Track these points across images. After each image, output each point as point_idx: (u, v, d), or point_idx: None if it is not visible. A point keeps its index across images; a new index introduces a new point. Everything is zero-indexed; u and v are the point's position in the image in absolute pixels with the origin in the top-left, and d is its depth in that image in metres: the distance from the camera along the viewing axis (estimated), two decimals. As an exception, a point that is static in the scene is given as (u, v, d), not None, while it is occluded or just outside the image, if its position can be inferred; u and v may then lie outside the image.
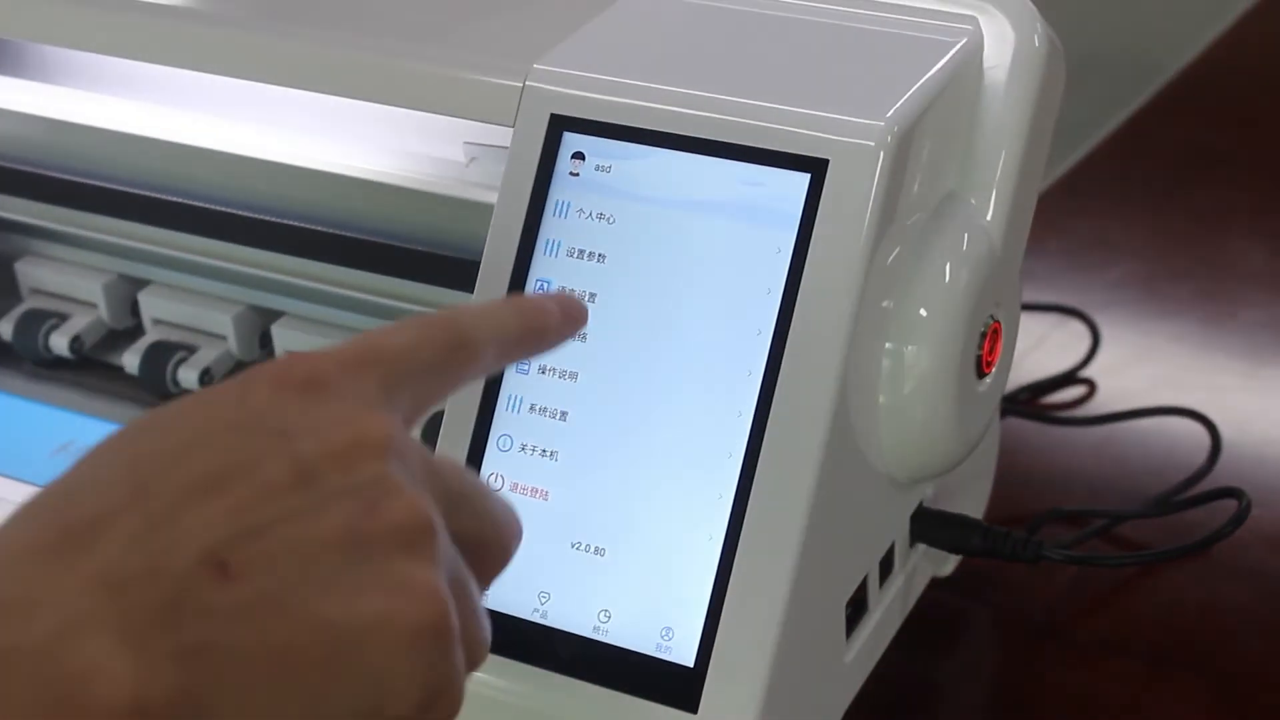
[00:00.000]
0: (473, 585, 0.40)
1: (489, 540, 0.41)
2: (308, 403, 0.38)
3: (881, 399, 0.55)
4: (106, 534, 0.35)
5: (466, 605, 0.40)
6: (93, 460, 0.37)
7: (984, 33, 0.58)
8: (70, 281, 0.73)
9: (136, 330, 0.73)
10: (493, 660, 0.53)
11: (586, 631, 0.53)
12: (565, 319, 0.46)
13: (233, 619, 0.35)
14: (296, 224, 0.65)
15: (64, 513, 0.36)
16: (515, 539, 0.42)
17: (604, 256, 0.54)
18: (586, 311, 0.48)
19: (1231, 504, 0.72)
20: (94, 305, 0.73)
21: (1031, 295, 0.91)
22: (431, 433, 0.57)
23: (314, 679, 0.36)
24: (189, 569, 0.35)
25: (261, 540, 0.36)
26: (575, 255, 0.55)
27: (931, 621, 0.67)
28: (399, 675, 0.37)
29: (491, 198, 0.57)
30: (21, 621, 0.33)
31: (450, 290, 0.62)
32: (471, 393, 0.55)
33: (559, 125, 0.55)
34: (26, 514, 0.36)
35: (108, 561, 0.34)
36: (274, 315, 0.70)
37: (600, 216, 0.55)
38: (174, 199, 0.67)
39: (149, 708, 0.33)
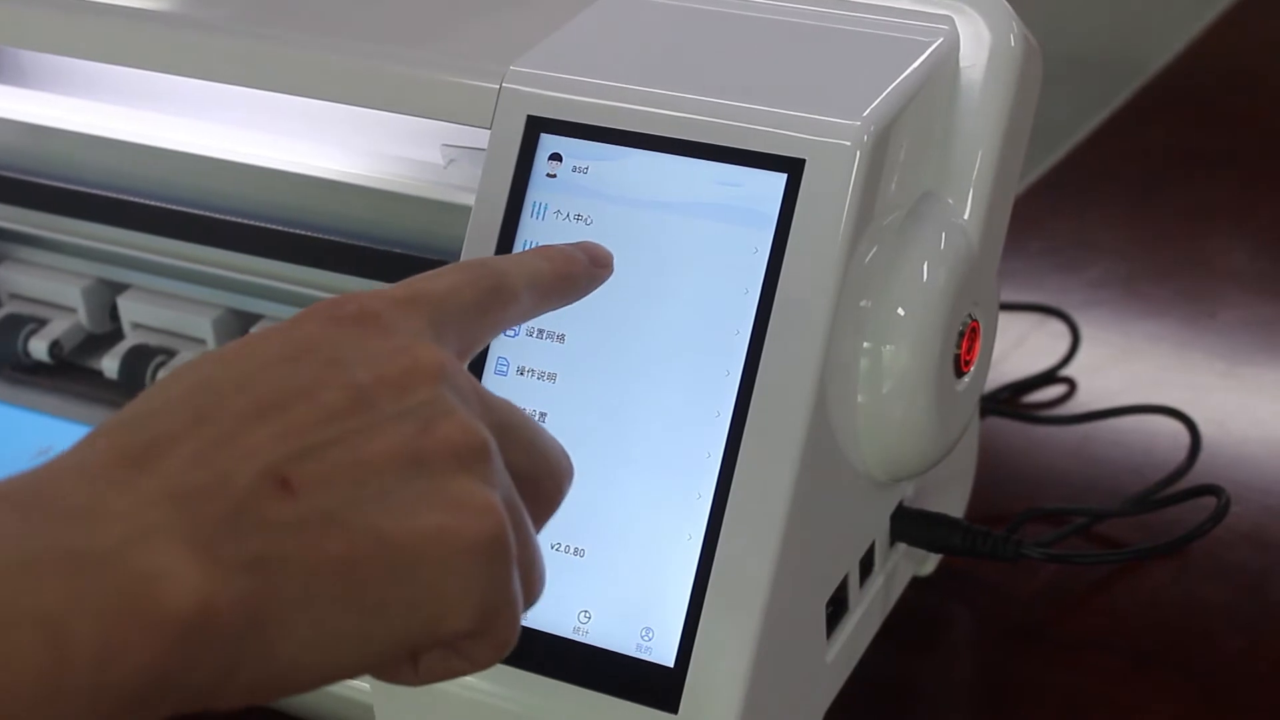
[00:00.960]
0: (527, 516, 0.41)
1: (541, 475, 0.42)
2: (362, 335, 0.40)
3: (860, 398, 0.55)
4: (171, 453, 0.36)
5: (523, 533, 0.40)
6: (155, 391, 0.39)
7: (960, 33, 0.58)
8: (49, 286, 0.73)
9: (116, 334, 0.73)
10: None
11: (566, 632, 0.53)
12: (593, 263, 0.49)
13: (294, 531, 0.36)
14: (276, 227, 0.65)
15: (129, 435, 0.37)
16: (568, 477, 0.43)
17: (582, 257, 0.54)
18: (611, 257, 0.49)
19: (1210, 502, 0.72)
20: (73, 310, 0.73)
21: (1012, 295, 0.91)
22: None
23: (373, 591, 0.37)
24: (251, 484, 0.36)
25: (320, 458, 0.37)
26: (553, 256, 0.55)
27: (912, 620, 0.67)
28: (456, 589, 0.38)
29: (469, 199, 0.57)
30: (91, 528, 0.34)
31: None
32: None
33: (536, 127, 0.55)
34: (92, 438, 0.37)
35: (172, 476, 0.36)
36: (253, 319, 0.70)
37: (577, 218, 0.55)
38: (153, 203, 0.67)
39: (214, 612, 0.34)
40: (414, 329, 0.41)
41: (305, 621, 0.36)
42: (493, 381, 0.55)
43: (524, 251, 0.47)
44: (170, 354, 0.70)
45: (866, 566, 0.61)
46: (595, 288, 0.49)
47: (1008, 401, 0.85)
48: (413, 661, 0.40)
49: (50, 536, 0.34)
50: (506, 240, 0.55)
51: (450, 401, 0.39)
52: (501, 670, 0.53)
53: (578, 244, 0.49)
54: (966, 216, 0.58)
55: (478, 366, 0.55)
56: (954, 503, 0.70)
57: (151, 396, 0.38)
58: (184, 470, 0.36)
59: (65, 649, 0.33)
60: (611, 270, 0.49)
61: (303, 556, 0.36)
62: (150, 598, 0.34)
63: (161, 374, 0.69)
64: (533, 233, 0.55)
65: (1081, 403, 0.84)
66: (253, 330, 0.41)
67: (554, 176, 0.55)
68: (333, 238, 0.64)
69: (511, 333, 0.55)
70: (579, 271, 0.48)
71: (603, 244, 0.54)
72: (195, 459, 0.36)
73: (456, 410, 0.39)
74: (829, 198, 0.52)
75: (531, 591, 0.41)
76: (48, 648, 0.32)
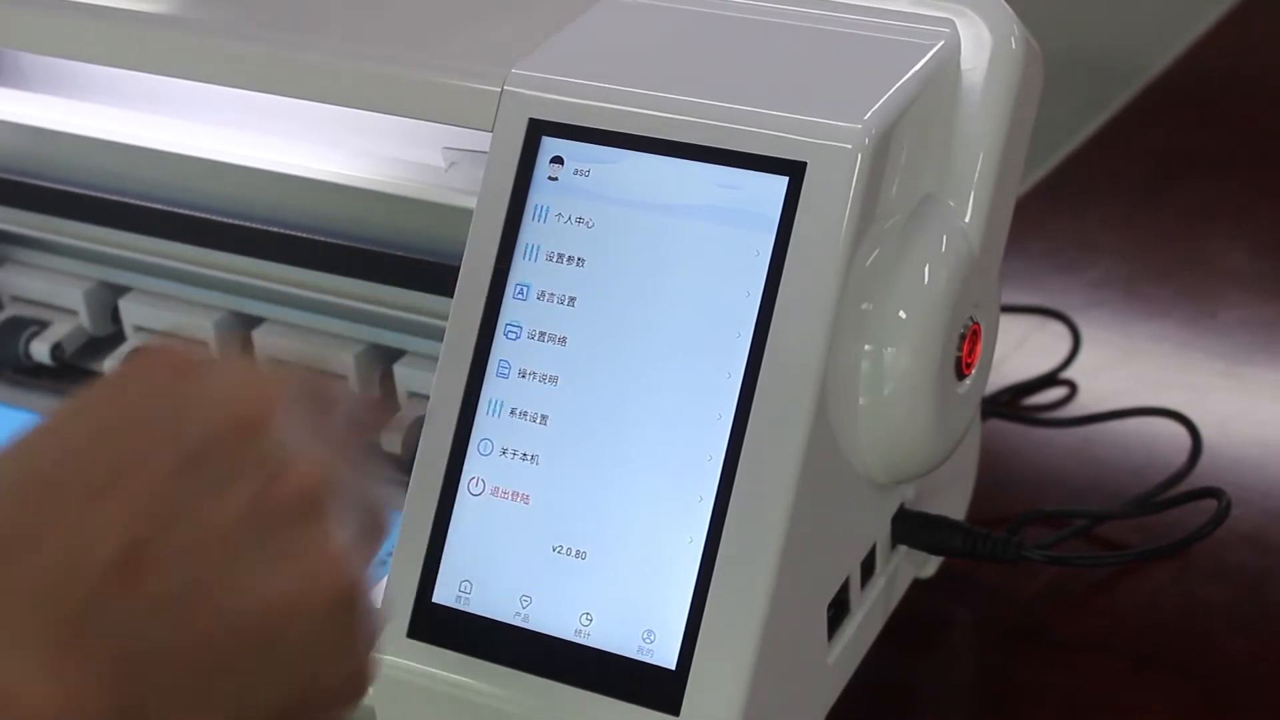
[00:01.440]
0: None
1: (366, 520, 0.41)
2: (183, 385, 0.39)
3: (861, 401, 0.55)
4: (11, 553, 0.35)
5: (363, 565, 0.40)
6: None
7: (961, 35, 0.58)
8: (50, 288, 0.73)
9: (118, 337, 0.73)
10: (475, 664, 0.54)
11: (568, 635, 0.53)
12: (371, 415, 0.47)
13: (148, 620, 0.35)
14: (277, 230, 0.65)
15: None
16: (391, 522, 0.42)
17: (583, 260, 0.54)
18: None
19: (1211, 504, 0.72)
20: (75, 312, 0.73)
21: (1012, 296, 0.91)
22: (413, 438, 0.57)
23: (242, 666, 0.36)
24: (100, 574, 0.35)
25: (165, 534, 0.36)
26: (554, 259, 0.55)
27: (913, 622, 0.67)
28: (323, 649, 0.38)
29: (471, 202, 0.57)
30: None
31: (430, 295, 0.62)
32: (452, 396, 0.55)
33: (537, 129, 0.56)
34: None
35: (19, 577, 0.34)
36: (255, 321, 0.70)
37: (579, 220, 0.55)
38: (154, 205, 0.67)
39: None
40: (237, 368, 0.40)
41: (178, 710, 0.35)
42: (495, 384, 0.55)
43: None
44: (172, 356, 0.70)
45: (868, 569, 0.61)
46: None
47: (1009, 404, 0.85)
48: None
49: None
50: (508, 242, 0.55)
51: (280, 450, 0.38)
52: (503, 672, 0.53)
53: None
54: (968, 219, 0.58)
55: (479, 371, 0.55)
56: (955, 505, 0.70)
57: None
58: (30, 568, 0.35)
59: None
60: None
61: (162, 645, 0.35)
62: (14, 717, 0.33)
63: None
64: (535, 235, 0.55)
65: (1082, 405, 0.84)
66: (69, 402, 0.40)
67: (555, 179, 0.55)
68: (334, 240, 0.64)
69: (513, 335, 0.55)
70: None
71: (604, 246, 0.54)
72: (39, 555, 0.35)
73: (294, 457, 0.38)
74: (830, 200, 0.52)
75: (379, 625, 0.41)
76: None
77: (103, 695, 0.34)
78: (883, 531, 0.62)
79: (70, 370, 0.73)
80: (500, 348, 0.55)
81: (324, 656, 0.38)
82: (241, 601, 0.36)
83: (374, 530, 0.41)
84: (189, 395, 0.38)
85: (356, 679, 0.40)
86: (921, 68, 0.56)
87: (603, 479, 0.53)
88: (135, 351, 0.40)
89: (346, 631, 0.38)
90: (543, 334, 0.54)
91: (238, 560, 0.36)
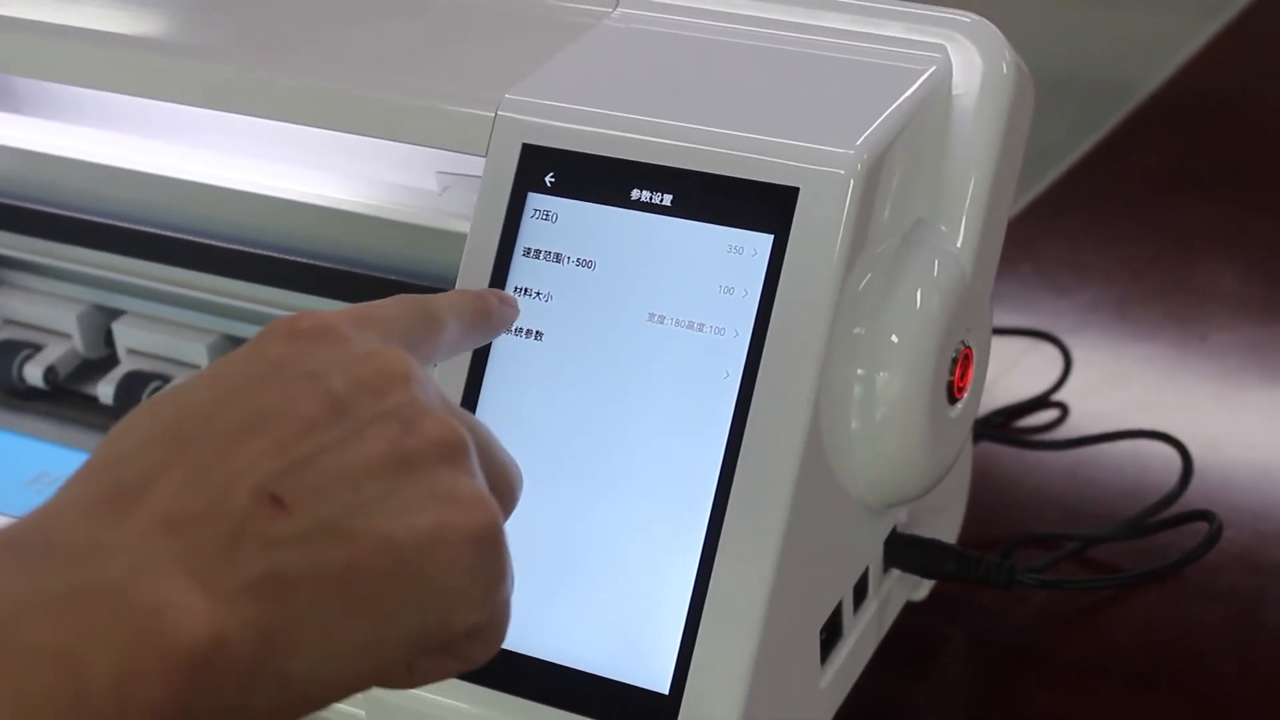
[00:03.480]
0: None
1: (499, 478, 0.42)
2: (325, 346, 0.40)
3: (854, 425, 0.55)
4: (158, 484, 0.36)
5: None
6: (127, 427, 0.38)
7: (953, 60, 0.59)
8: (44, 312, 0.73)
9: (111, 360, 0.73)
10: (464, 687, 0.53)
11: (560, 658, 0.53)
12: (502, 302, 0.50)
13: (294, 546, 0.36)
14: (271, 254, 0.66)
15: (116, 471, 0.37)
16: (521, 483, 0.44)
17: (573, 294, 0.54)
18: (516, 301, 0.52)
19: (1203, 526, 0.73)
20: (68, 335, 0.73)
21: (1004, 319, 0.91)
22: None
23: (381, 596, 0.37)
24: (244, 505, 0.36)
25: (309, 471, 0.37)
26: (538, 296, 0.55)
27: (906, 646, 0.67)
28: (461, 582, 0.39)
29: (464, 226, 0.57)
30: (93, 565, 0.34)
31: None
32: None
33: (531, 154, 0.56)
34: (77, 479, 0.37)
35: (165, 505, 0.36)
36: (248, 344, 0.70)
37: (572, 246, 0.55)
38: (148, 229, 0.68)
39: (225, 639, 0.34)
40: (370, 341, 0.42)
41: (317, 636, 0.36)
42: (491, 400, 0.55)
43: (447, 292, 0.48)
44: (165, 379, 0.70)
45: (860, 592, 0.61)
46: (508, 325, 0.51)
47: (1001, 426, 0.85)
48: (407, 666, 0.41)
49: (58, 576, 0.34)
50: (501, 267, 0.55)
51: (424, 400, 0.40)
52: (495, 696, 0.53)
53: (489, 289, 0.52)
54: (959, 244, 0.58)
55: (473, 391, 0.55)
56: (947, 528, 0.70)
57: (130, 430, 0.38)
58: (176, 498, 0.36)
59: (84, 683, 0.33)
60: (517, 310, 0.52)
61: (306, 571, 0.36)
62: (160, 631, 0.34)
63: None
64: (525, 264, 0.55)
65: (1074, 427, 0.85)
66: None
67: (547, 217, 0.55)
68: (328, 264, 0.65)
69: (506, 361, 0.55)
70: (493, 308, 0.49)
71: (596, 273, 0.54)
72: (185, 485, 0.36)
73: (433, 408, 0.40)
74: (823, 225, 0.52)
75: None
76: (67, 682, 0.33)
77: (249, 616, 0.35)
78: (875, 555, 0.62)
79: (63, 393, 0.73)
80: (494, 375, 0.55)
81: (461, 593, 0.39)
82: (382, 532, 0.37)
83: (506, 488, 0.43)
84: (332, 352, 0.40)
85: (491, 624, 0.41)
86: (913, 93, 0.56)
87: (597, 502, 0.53)
88: (272, 321, 0.42)
89: (484, 570, 0.39)
90: (530, 361, 0.54)
91: (379, 494, 0.38)
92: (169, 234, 0.67)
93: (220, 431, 0.37)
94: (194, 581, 0.35)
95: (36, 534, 0.35)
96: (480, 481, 0.40)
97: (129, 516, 0.35)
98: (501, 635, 0.42)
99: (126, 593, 0.34)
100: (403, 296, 0.46)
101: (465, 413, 0.43)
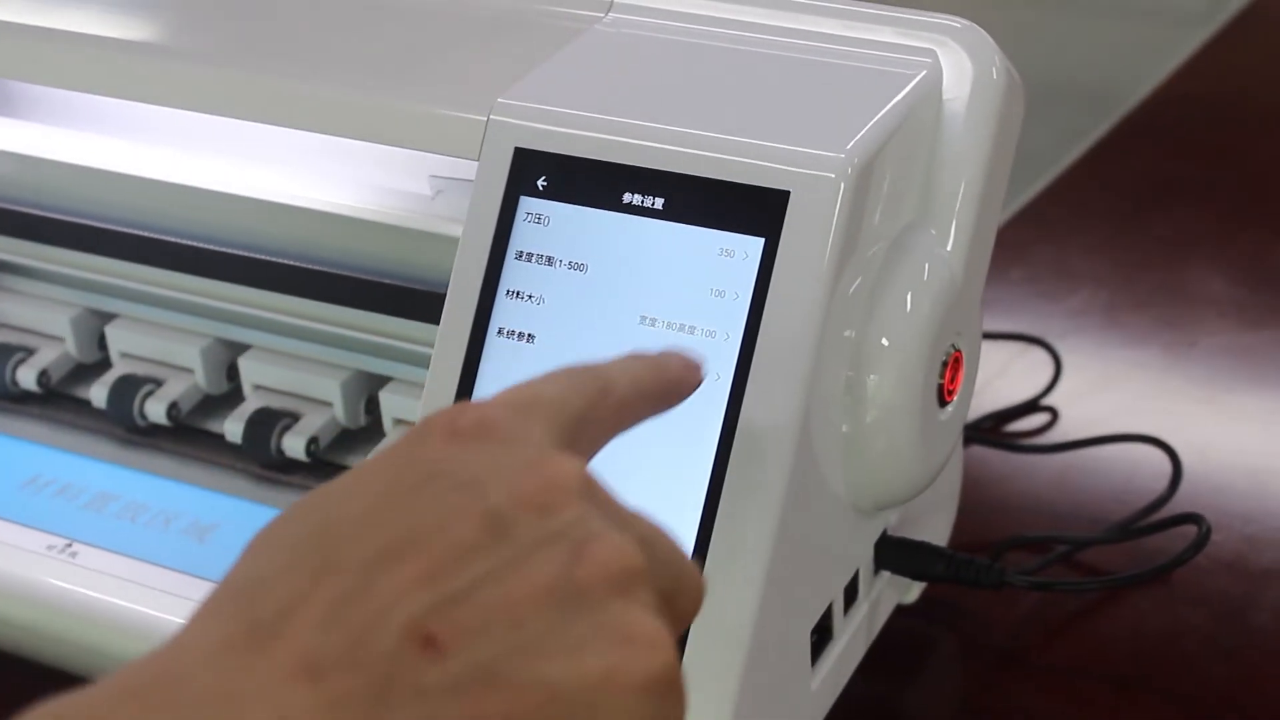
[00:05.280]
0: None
1: (679, 592, 0.38)
2: (486, 450, 0.36)
3: (844, 428, 0.56)
4: (297, 618, 0.33)
5: None
6: (265, 543, 0.35)
7: (943, 65, 0.59)
8: (37, 315, 0.74)
9: (104, 364, 0.73)
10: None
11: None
12: (686, 367, 0.45)
13: (450, 696, 0.32)
14: (264, 258, 0.66)
15: (250, 602, 0.33)
16: (703, 592, 0.39)
17: (564, 297, 0.55)
18: (702, 361, 0.46)
19: (1192, 530, 0.73)
20: (61, 339, 0.73)
21: (994, 324, 0.92)
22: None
23: None
24: (393, 647, 0.32)
25: (467, 605, 0.33)
26: (530, 299, 0.55)
27: (896, 648, 0.67)
28: None
29: (457, 230, 0.57)
30: (230, 717, 0.31)
31: (416, 323, 0.63)
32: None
33: (523, 158, 0.56)
34: (208, 611, 0.34)
35: (305, 647, 0.32)
36: (241, 348, 0.70)
37: (564, 250, 0.55)
38: (141, 233, 0.68)
39: None
40: (536, 437, 0.37)
41: None
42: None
43: (620, 357, 0.44)
44: (158, 383, 0.70)
45: (851, 595, 0.61)
46: (691, 392, 0.45)
47: (990, 430, 0.85)
48: None
49: None
50: (493, 270, 0.55)
51: (595, 520, 0.36)
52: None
53: (669, 351, 0.46)
54: (949, 248, 0.58)
55: (469, 376, 0.55)
56: (938, 531, 0.70)
57: (262, 551, 0.35)
58: (316, 636, 0.32)
59: None
60: (703, 375, 0.46)
61: None
62: None
63: (149, 404, 0.69)
64: (517, 267, 0.55)
65: (1063, 431, 0.85)
66: (363, 460, 0.38)
67: (539, 220, 0.55)
68: (320, 268, 0.65)
69: (499, 365, 0.55)
70: (676, 375, 0.45)
71: (588, 276, 0.54)
72: (326, 620, 0.32)
73: (604, 530, 0.36)
74: (814, 229, 0.52)
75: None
76: None
77: None
78: (866, 557, 0.62)
79: (57, 397, 0.73)
80: (486, 379, 0.55)
81: None
82: (546, 678, 0.33)
83: (686, 602, 0.39)
84: (493, 458, 0.36)
85: None
86: (904, 97, 0.56)
87: (588, 505, 0.53)
88: (431, 414, 0.38)
89: (659, 716, 0.35)
90: (522, 364, 0.55)
91: (542, 634, 0.34)
92: (162, 238, 0.67)
93: (365, 555, 0.33)
94: None
95: (161, 679, 0.32)
96: (656, 616, 0.35)
97: (264, 658, 0.32)
98: None
99: None
100: (572, 369, 0.41)
101: (640, 520, 0.38)
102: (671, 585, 0.38)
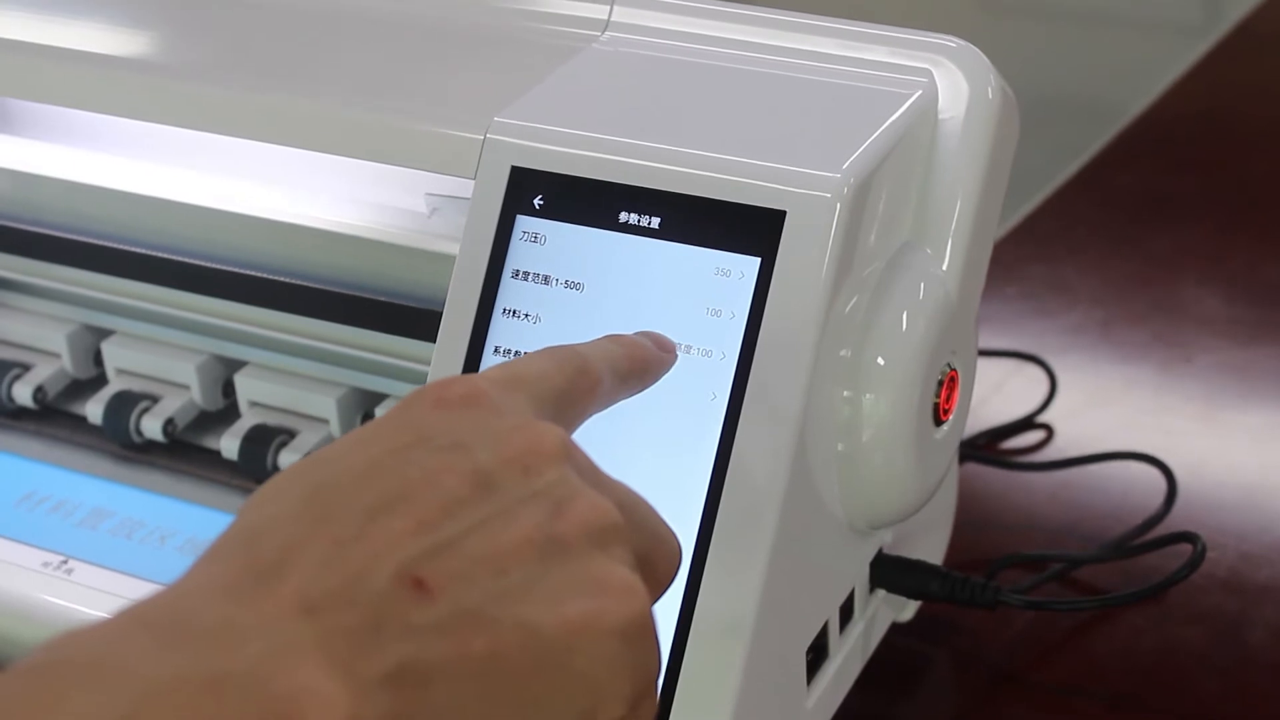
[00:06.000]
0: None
1: (657, 557, 0.41)
2: (474, 416, 0.39)
3: (840, 447, 0.56)
4: (296, 562, 0.35)
5: None
6: (265, 498, 0.37)
7: (938, 85, 0.59)
8: (33, 331, 0.74)
9: (100, 380, 0.73)
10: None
11: (549, 679, 0.53)
12: (660, 347, 0.49)
13: (436, 635, 0.35)
14: (260, 275, 0.66)
15: (252, 548, 0.35)
16: (679, 556, 0.42)
17: (560, 315, 0.55)
18: (674, 344, 0.50)
19: (1187, 548, 0.73)
20: (57, 355, 0.73)
21: (989, 341, 0.92)
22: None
23: (526, 688, 0.36)
24: (385, 588, 0.35)
25: (454, 553, 0.36)
26: (527, 318, 0.55)
27: (892, 666, 0.67)
28: (610, 675, 0.37)
29: (453, 248, 0.57)
30: (228, 648, 0.33)
31: (412, 340, 0.63)
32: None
33: (520, 177, 0.56)
34: (211, 557, 0.36)
35: (302, 585, 0.34)
36: (237, 365, 0.70)
37: (560, 268, 0.55)
38: (137, 250, 0.68)
39: None
40: (520, 408, 0.40)
41: None
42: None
43: (597, 339, 0.47)
44: (154, 400, 0.70)
45: (846, 613, 0.61)
46: (665, 373, 0.49)
47: (986, 447, 0.85)
48: None
49: (189, 659, 0.33)
50: (490, 289, 0.56)
51: (575, 480, 0.38)
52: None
53: (643, 332, 0.50)
54: (945, 267, 0.58)
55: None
56: (933, 549, 0.71)
57: (269, 500, 0.37)
58: (314, 577, 0.34)
59: None
60: (676, 356, 0.49)
61: (448, 661, 0.35)
62: (298, 717, 0.32)
63: (145, 421, 0.70)
64: (514, 286, 0.55)
65: (1059, 448, 0.85)
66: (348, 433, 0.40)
67: (535, 239, 0.56)
68: (317, 285, 0.65)
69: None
70: (649, 356, 0.48)
71: (584, 295, 0.54)
72: (324, 564, 0.35)
73: (584, 489, 0.38)
74: (809, 248, 0.52)
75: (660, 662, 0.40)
76: None
77: (386, 706, 0.34)
78: (861, 576, 0.62)
79: (52, 413, 0.73)
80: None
81: (607, 686, 0.37)
82: (527, 621, 0.36)
83: (661, 564, 0.41)
84: (480, 423, 0.39)
85: (639, 715, 0.38)
86: (899, 117, 0.57)
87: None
88: (419, 387, 0.40)
89: (633, 663, 0.37)
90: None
91: (524, 581, 0.36)
92: (159, 254, 0.67)
93: (362, 506, 0.36)
94: (332, 668, 0.33)
95: (170, 612, 0.34)
96: (632, 568, 0.38)
97: (265, 596, 0.34)
98: None
99: (259, 680, 0.32)
100: (553, 349, 0.44)
101: (619, 485, 0.41)
102: (649, 548, 0.40)
